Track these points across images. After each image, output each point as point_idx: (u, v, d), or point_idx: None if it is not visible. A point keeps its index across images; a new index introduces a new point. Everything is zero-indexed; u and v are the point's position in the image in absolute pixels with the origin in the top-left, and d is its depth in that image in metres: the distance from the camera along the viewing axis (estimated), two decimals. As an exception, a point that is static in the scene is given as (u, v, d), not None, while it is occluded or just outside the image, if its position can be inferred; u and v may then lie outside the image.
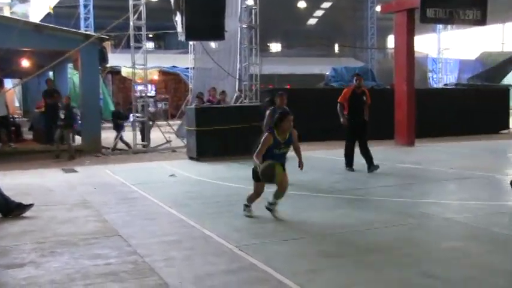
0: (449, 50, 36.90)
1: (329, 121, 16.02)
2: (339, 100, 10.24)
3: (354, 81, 10.37)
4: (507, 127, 20.37)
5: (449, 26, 33.09)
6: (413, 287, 4.33)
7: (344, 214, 6.85)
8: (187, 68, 24.48)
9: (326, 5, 41.76)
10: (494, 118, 19.75)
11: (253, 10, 15.64)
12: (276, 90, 18.65)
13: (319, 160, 12.48)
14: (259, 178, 6.45)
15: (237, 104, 15.36)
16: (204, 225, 6.26)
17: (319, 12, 43.32)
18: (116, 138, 15.47)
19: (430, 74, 35.35)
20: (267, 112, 9.02)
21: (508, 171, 10.89)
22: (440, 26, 34.08)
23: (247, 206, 6.77)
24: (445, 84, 27.24)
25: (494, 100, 20.02)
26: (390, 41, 40.38)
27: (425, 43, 36.33)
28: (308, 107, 16.01)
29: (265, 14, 16.29)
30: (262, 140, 6.41)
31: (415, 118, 15.59)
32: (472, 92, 20.76)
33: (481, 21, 15.55)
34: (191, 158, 12.79)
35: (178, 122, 21.76)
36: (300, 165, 6.80)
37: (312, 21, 44.40)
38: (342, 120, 10.19)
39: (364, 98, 10.18)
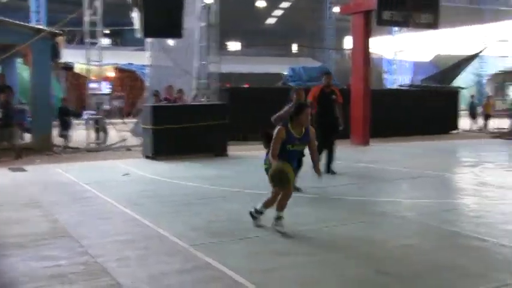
0: (404, 52, 37.78)
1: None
2: (308, 98, 9.75)
3: (323, 80, 10.20)
4: (456, 127, 20.98)
5: (404, 29, 33.81)
6: (368, 283, 4.37)
7: (301, 212, 6.85)
8: (144, 66, 24.11)
9: (285, 5, 42.00)
10: (445, 119, 20.32)
11: (212, 8, 15.55)
12: (233, 88, 18.63)
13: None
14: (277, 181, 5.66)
15: (195, 103, 15.22)
16: (159, 225, 6.15)
17: (278, 12, 43.52)
18: (65, 137, 15.05)
19: (385, 75, 36.03)
20: (285, 108, 7.92)
21: (457, 170, 11.24)
22: (396, 28, 34.80)
23: (258, 212, 5.98)
24: (400, 85, 27.80)
25: (445, 101, 20.60)
26: (347, 42, 40.93)
27: (381, 44, 36.99)
28: (266, 106, 16.01)
29: (224, 12, 16.23)
30: (274, 135, 5.65)
31: (370, 118, 15.85)
32: (425, 93, 21.25)
33: (433, 25, 16.05)
34: (147, 157, 12.59)
35: (134, 120, 21.39)
36: (317, 172, 5.96)
37: (271, 21, 44.58)
38: None
39: (334, 97, 10.01)
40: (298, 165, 7.39)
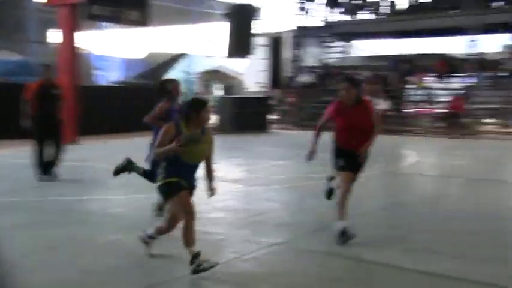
0: (115, 48, 37.78)
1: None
2: (26, 97, 8.68)
3: (43, 74, 9.09)
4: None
5: (116, 24, 33.81)
6: (72, 284, 4.28)
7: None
8: None
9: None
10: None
11: None
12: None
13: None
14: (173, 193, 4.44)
15: None
16: None
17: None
18: None
19: (95, 71, 35.41)
20: (158, 105, 6.43)
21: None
22: (106, 24, 34.48)
23: (150, 238, 4.85)
24: (112, 82, 27.79)
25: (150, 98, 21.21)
26: (53, 35, 38.77)
27: (91, 40, 36.25)
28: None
29: None
30: (160, 134, 4.45)
31: (79, 115, 15.21)
32: (138, 90, 21.55)
33: (143, 22, 16.52)
34: None
35: None
36: (211, 190, 4.69)
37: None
38: (23, 122, 8.63)
39: (55, 92, 8.97)
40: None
